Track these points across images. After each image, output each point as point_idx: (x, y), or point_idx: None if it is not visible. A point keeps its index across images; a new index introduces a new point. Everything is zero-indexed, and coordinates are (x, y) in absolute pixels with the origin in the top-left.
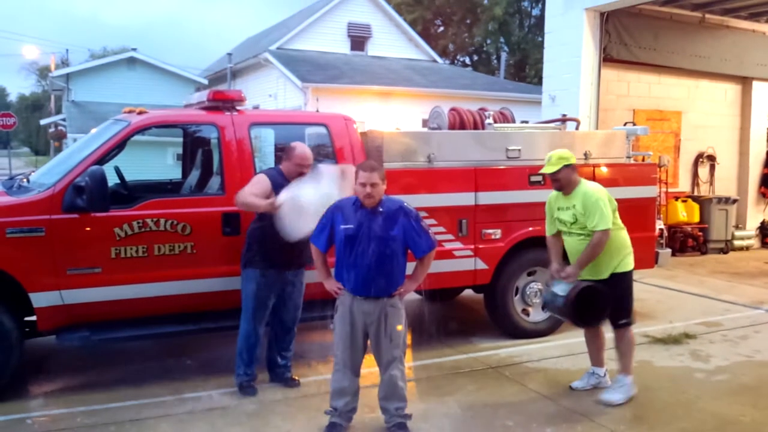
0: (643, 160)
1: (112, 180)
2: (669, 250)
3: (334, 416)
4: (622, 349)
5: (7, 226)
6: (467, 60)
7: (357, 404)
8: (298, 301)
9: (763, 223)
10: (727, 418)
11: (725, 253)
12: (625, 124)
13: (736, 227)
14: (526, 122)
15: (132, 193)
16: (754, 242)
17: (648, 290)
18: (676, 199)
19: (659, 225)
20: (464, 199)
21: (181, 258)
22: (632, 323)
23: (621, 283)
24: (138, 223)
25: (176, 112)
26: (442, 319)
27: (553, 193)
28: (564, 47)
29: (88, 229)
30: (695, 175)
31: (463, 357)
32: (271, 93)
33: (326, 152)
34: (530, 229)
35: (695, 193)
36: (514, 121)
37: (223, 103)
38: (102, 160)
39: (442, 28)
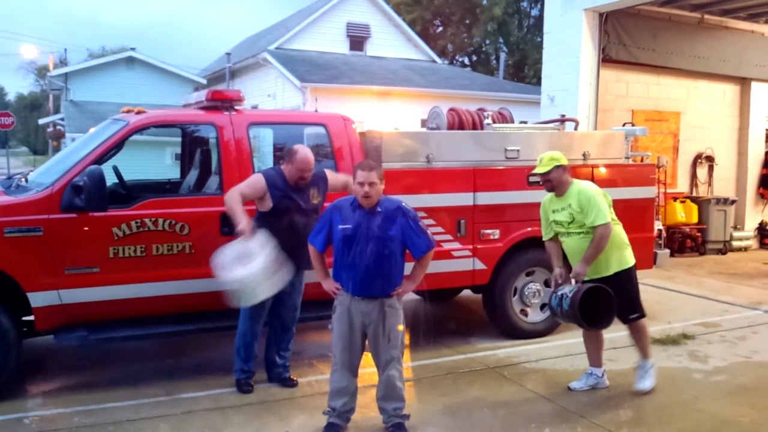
0: (641, 160)
1: (111, 180)
2: (667, 251)
3: (332, 416)
4: (638, 339)
5: (5, 225)
6: (466, 60)
7: (355, 404)
8: (296, 301)
9: (761, 223)
10: (725, 419)
11: (724, 253)
12: (623, 125)
13: (735, 228)
14: (525, 122)
15: (130, 192)
16: (753, 243)
17: (646, 291)
18: (675, 199)
19: (658, 226)
20: (463, 199)
21: (179, 258)
22: (643, 316)
23: (625, 279)
24: (136, 222)
25: (175, 112)
26: (441, 319)
27: (546, 197)
28: (563, 48)
29: (86, 228)
30: (694, 175)
31: (461, 357)
32: (269, 93)
33: (325, 152)
34: (529, 229)
35: (694, 194)
36: (512, 122)
37: (222, 102)
38: (100, 159)
39: (441, 29)
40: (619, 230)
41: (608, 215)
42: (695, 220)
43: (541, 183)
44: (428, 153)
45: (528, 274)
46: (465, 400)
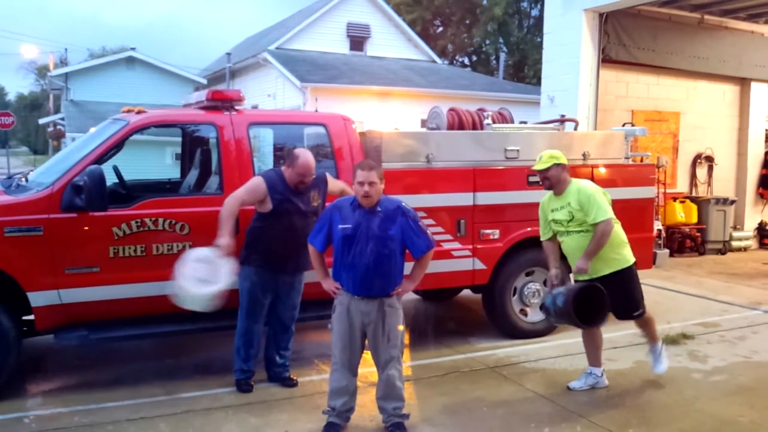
0: (641, 160)
1: (111, 179)
2: (667, 251)
3: (332, 416)
4: (644, 328)
5: (5, 225)
6: (466, 60)
7: (355, 404)
8: (296, 300)
9: (760, 224)
10: (724, 419)
11: (723, 253)
12: (623, 125)
13: (734, 228)
14: (525, 123)
15: (130, 192)
16: (752, 243)
17: (646, 291)
18: (675, 199)
19: (657, 226)
20: (463, 199)
21: (179, 258)
22: (645, 313)
23: (625, 278)
24: (136, 222)
25: (175, 112)
26: (440, 319)
27: (545, 197)
28: (563, 48)
29: (86, 228)
30: (693, 175)
31: (461, 357)
32: (270, 93)
33: (325, 152)
34: (528, 229)
35: (693, 194)
36: (512, 122)
37: (222, 102)
38: (101, 159)
39: (441, 29)
40: (618, 229)
41: (609, 211)
42: (695, 220)
43: (539, 181)
44: (428, 153)
45: (528, 274)
46: (464, 400)
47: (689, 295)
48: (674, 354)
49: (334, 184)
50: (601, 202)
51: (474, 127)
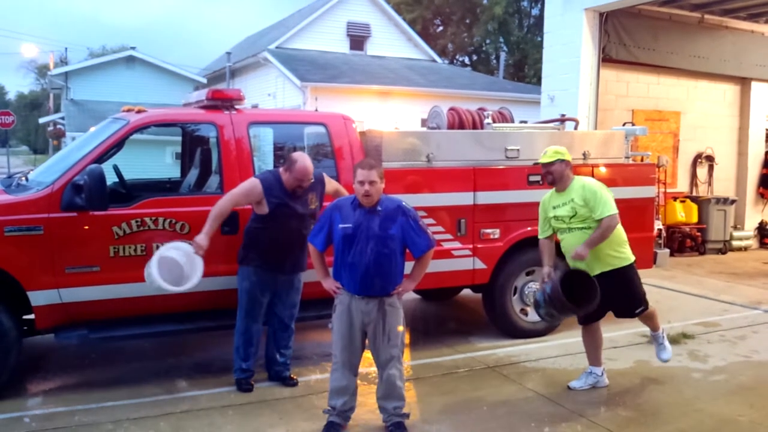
0: (641, 160)
1: (111, 179)
2: (667, 251)
3: (332, 415)
4: (647, 321)
5: (5, 224)
6: (466, 60)
7: (355, 403)
8: (295, 299)
9: (761, 223)
10: (724, 418)
11: (723, 253)
12: (623, 125)
13: (735, 228)
14: (525, 122)
15: (131, 191)
16: (753, 243)
17: (646, 290)
18: (675, 199)
19: (658, 225)
20: (463, 198)
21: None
22: (647, 309)
23: (626, 276)
24: (137, 221)
25: (175, 111)
26: (441, 318)
27: (546, 194)
28: (563, 47)
29: (86, 227)
30: (694, 175)
31: (461, 356)
32: (270, 92)
33: (325, 152)
34: (529, 228)
35: (694, 194)
36: (512, 121)
37: (222, 102)
38: (101, 158)
39: (441, 28)
40: (618, 227)
41: (615, 207)
42: (695, 219)
43: (542, 175)
44: (428, 152)
45: (528, 274)
46: (465, 399)
47: (690, 294)
48: (675, 353)
49: (329, 184)
50: (606, 198)
51: (474, 127)
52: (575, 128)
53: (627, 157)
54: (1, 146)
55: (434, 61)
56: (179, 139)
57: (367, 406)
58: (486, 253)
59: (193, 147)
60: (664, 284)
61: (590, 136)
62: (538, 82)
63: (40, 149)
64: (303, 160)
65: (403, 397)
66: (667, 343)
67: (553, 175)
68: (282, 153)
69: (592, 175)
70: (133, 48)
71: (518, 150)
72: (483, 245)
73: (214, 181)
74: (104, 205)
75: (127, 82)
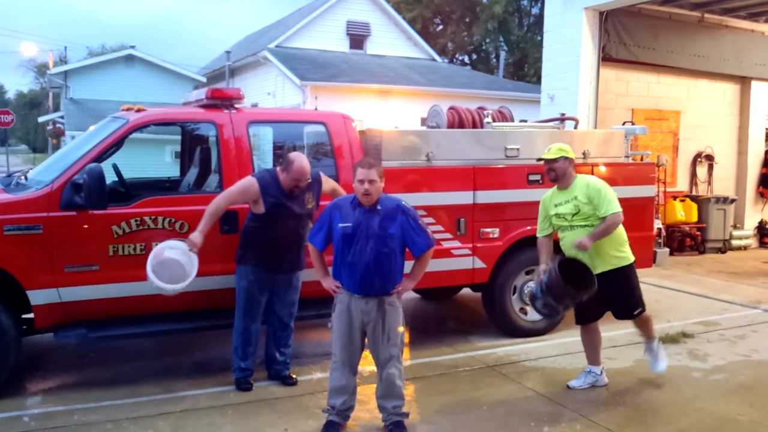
0: (641, 159)
1: (110, 178)
2: (667, 250)
3: (332, 414)
4: (642, 327)
5: (4, 223)
6: (466, 59)
7: (354, 402)
8: (293, 298)
9: (761, 222)
10: (724, 418)
11: (723, 252)
12: (623, 124)
13: (734, 227)
14: (525, 121)
15: (130, 190)
16: (752, 242)
17: (646, 289)
18: (675, 198)
19: (657, 224)
20: (462, 197)
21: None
22: (645, 311)
23: (625, 276)
24: (136, 220)
25: (174, 110)
26: (440, 317)
27: (548, 192)
28: (563, 46)
29: (85, 226)
30: (693, 174)
31: (460, 356)
32: (269, 91)
33: (325, 151)
34: (528, 228)
35: (693, 193)
36: (512, 120)
37: (222, 101)
38: (100, 157)
39: (441, 27)
40: (620, 226)
41: (619, 205)
42: (695, 218)
43: (545, 171)
44: (428, 151)
45: (527, 273)
46: (464, 399)
47: (689, 293)
48: (674, 353)
49: (326, 183)
50: (611, 196)
51: (474, 126)
52: (575, 127)
53: (627, 157)
54: (0, 145)
55: (434, 60)
56: (179, 138)
57: (366, 405)
58: (485, 252)
59: (193, 146)
60: (664, 283)
61: (590, 135)
62: (538, 81)
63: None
64: (300, 160)
65: (402, 396)
66: (662, 352)
67: (556, 172)
68: (282, 152)
69: (592, 174)
70: (132, 47)
71: (518, 149)
72: (482, 244)
73: (213, 180)
74: (103, 204)
75: (127, 81)
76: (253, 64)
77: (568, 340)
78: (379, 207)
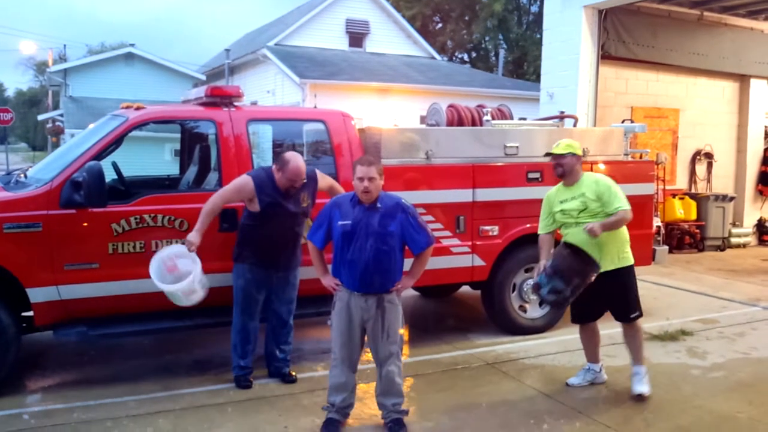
0: (640, 157)
1: (110, 175)
2: (666, 247)
3: (332, 412)
4: (633, 340)
5: (4, 221)
6: (466, 57)
7: (354, 400)
8: (291, 295)
9: (760, 220)
10: (723, 415)
11: (722, 250)
12: (623, 122)
13: (733, 225)
14: (524, 119)
15: (129, 188)
16: (751, 240)
17: (645, 287)
18: (674, 196)
19: (656, 222)
20: (462, 195)
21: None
22: (641, 315)
23: (625, 277)
24: (135, 218)
25: (174, 108)
26: (440, 315)
27: (553, 189)
28: (562, 44)
29: (85, 224)
30: (693, 172)
31: (460, 353)
32: (269, 89)
33: (324, 149)
34: (528, 225)
35: (692, 191)
36: (512, 118)
37: (221, 98)
38: (99, 155)
39: (440, 25)
40: (623, 228)
41: (628, 203)
42: (694, 216)
43: (553, 166)
44: (427, 149)
45: (527, 271)
46: (463, 396)
47: (688, 291)
48: (673, 350)
49: (323, 181)
50: (621, 193)
51: (473, 124)
52: (574, 125)
53: (626, 154)
54: None
55: (433, 58)
56: (178, 136)
57: (366, 403)
58: (485, 250)
59: (192, 144)
60: (663, 281)
61: (589, 133)
62: (537, 79)
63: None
64: (295, 160)
65: (402, 393)
66: (647, 378)
67: (563, 168)
68: (281, 150)
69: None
70: (132, 45)
71: (517, 147)
72: (482, 242)
73: (213, 178)
74: (103, 202)
75: (126, 79)
76: (252, 62)
77: (567, 337)
78: (378, 205)
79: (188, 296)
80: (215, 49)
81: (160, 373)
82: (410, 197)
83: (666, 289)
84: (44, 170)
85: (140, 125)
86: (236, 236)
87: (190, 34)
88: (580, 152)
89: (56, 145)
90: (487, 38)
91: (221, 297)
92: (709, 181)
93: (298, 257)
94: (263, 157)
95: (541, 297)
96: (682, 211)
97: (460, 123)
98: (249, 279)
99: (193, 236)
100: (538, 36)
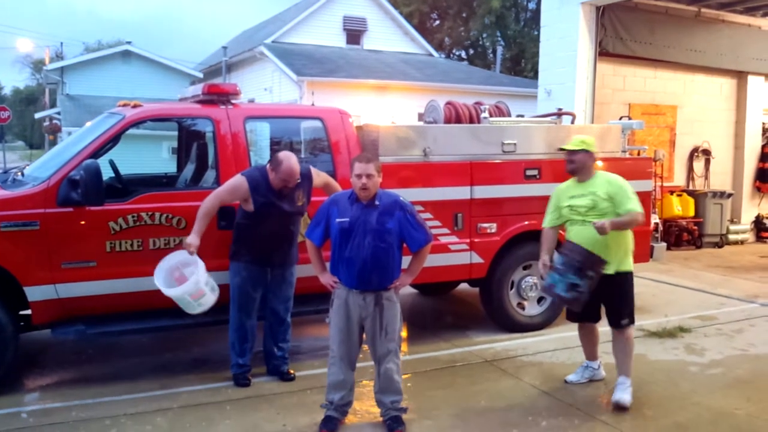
0: (638, 154)
1: (107, 173)
2: (664, 244)
3: (330, 409)
4: (623, 350)
5: (1, 220)
6: (463, 54)
7: (353, 398)
8: (288, 292)
9: (757, 217)
10: (721, 412)
11: (720, 247)
12: (620, 118)
13: (731, 221)
14: (522, 116)
15: (127, 186)
16: (749, 236)
17: (643, 284)
18: (672, 193)
19: (654, 219)
20: (460, 192)
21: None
22: (633, 323)
23: (624, 282)
24: (133, 216)
25: (171, 106)
26: (438, 312)
27: (564, 183)
28: (560, 41)
29: (82, 222)
30: (690, 169)
31: (458, 351)
32: (266, 86)
33: (322, 146)
34: (526, 223)
35: (690, 188)
36: (509, 115)
37: (219, 96)
38: (97, 153)
39: (438, 22)
40: (629, 233)
41: (641, 205)
42: (692, 213)
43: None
44: (425, 147)
45: (525, 268)
46: (462, 394)
47: (686, 288)
48: (671, 347)
49: (318, 178)
50: (634, 195)
51: (471, 121)
52: (572, 122)
53: (624, 151)
54: None
55: (431, 55)
56: (175, 133)
57: (364, 400)
58: (483, 247)
59: (190, 142)
60: (661, 278)
61: (587, 130)
62: (535, 76)
63: (35, 144)
64: (289, 160)
65: (400, 391)
66: (630, 390)
67: (575, 164)
68: (278, 147)
69: None
70: (128, 42)
71: (515, 144)
72: (480, 239)
73: (210, 175)
74: (100, 200)
75: (123, 76)
76: (249, 59)
77: (565, 334)
78: (376, 202)
79: (198, 300)
80: (212, 47)
81: (159, 371)
82: (408, 194)
83: (664, 285)
84: (41, 168)
85: (137, 123)
86: (233, 234)
87: (187, 31)
88: (594, 149)
89: (53, 144)
90: (484, 35)
91: (221, 295)
92: (706, 177)
93: (293, 255)
94: (261, 155)
95: (557, 296)
96: (679, 207)
97: (458, 120)
98: (245, 277)
99: (192, 239)
100: (536, 33)
